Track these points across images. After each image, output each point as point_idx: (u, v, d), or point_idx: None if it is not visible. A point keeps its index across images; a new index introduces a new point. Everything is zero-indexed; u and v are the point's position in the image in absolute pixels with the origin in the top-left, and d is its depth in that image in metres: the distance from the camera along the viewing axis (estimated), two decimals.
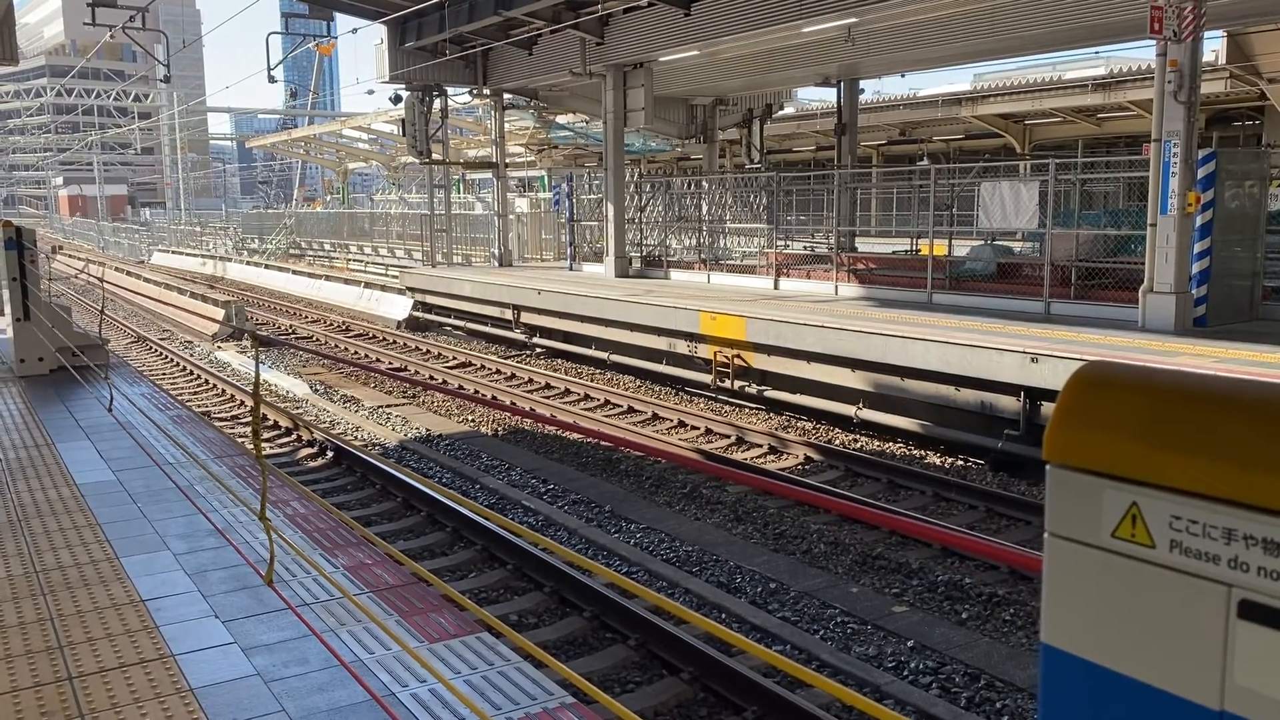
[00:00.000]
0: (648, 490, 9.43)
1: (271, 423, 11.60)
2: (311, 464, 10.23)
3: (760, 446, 10.83)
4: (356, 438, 11.66)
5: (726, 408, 13.03)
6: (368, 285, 25.01)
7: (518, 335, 17.94)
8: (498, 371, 15.77)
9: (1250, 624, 0.82)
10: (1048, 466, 0.95)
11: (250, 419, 5.19)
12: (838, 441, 11.11)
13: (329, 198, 54.83)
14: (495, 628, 3.04)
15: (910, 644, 6.02)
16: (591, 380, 14.74)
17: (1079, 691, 0.94)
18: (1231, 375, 0.92)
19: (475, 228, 28.49)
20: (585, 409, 12.93)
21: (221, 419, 12.32)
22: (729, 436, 11.26)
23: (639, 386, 14.50)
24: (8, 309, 10.08)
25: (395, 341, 19.38)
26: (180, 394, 13.77)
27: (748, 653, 2.04)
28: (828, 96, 25.28)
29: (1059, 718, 0.96)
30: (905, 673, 5.65)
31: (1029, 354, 9.28)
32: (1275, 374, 8.29)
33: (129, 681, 3.64)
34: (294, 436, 11.19)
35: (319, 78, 64.82)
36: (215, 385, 14.29)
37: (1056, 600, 0.96)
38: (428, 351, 17.95)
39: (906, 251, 17.90)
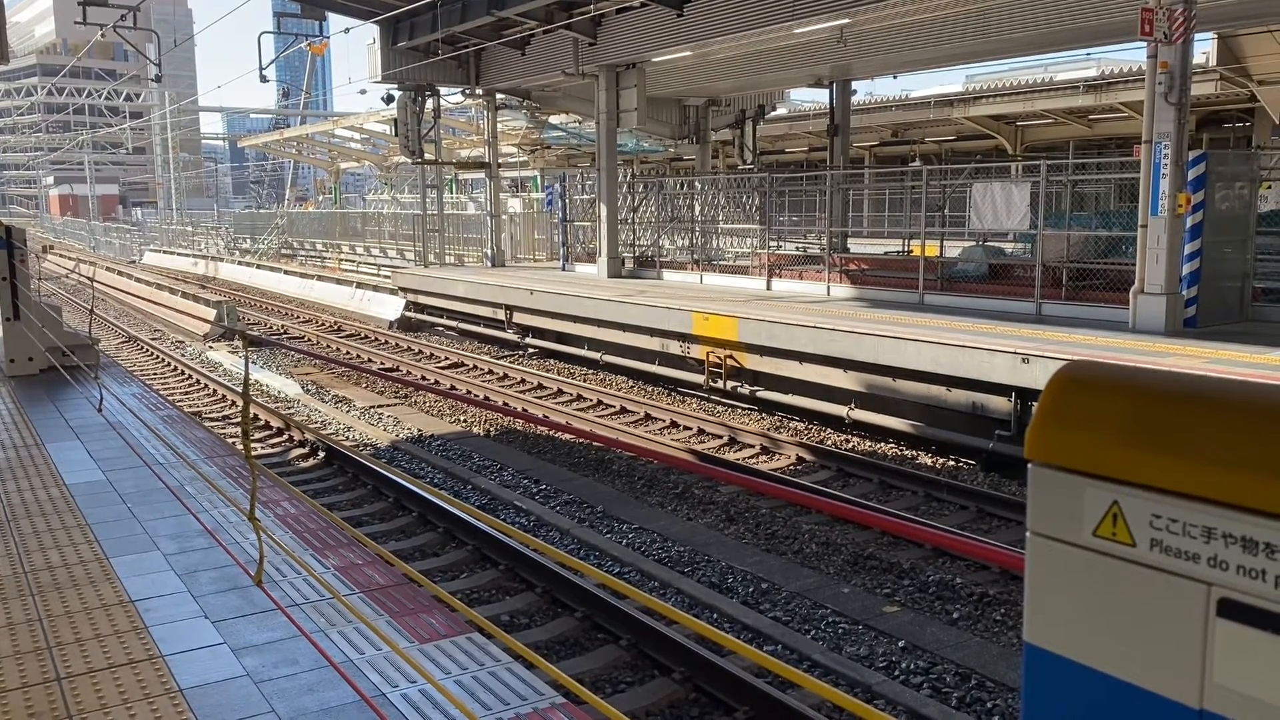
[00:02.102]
0: (640, 491, 9.43)
1: (263, 423, 11.58)
2: (303, 464, 10.21)
3: (752, 447, 10.83)
4: (348, 438, 11.64)
5: (719, 408, 13.04)
6: (360, 285, 24.97)
7: (510, 336, 17.93)
8: (490, 372, 15.76)
9: (1229, 622, 0.82)
10: (1029, 465, 0.96)
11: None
12: (830, 442, 11.12)
13: (321, 198, 54.71)
14: (486, 629, 3.04)
15: (901, 644, 6.03)
16: (584, 381, 14.73)
17: (1061, 690, 0.95)
18: (1213, 375, 0.92)
19: (468, 228, 28.49)
20: (578, 409, 12.93)
21: (212, 419, 12.29)
22: (721, 437, 11.27)
23: (631, 387, 14.50)
24: None
25: (387, 342, 19.35)
26: (171, 394, 13.73)
27: (738, 653, 2.05)
28: (820, 97, 25.30)
29: (1042, 715, 0.97)
30: (897, 673, 5.66)
31: (1020, 355, 9.30)
32: (1264, 374, 8.32)
33: (118, 682, 3.63)
34: (285, 437, 11.17)
35: (311, 77, 64.75)
36: (206, 385, 14.25)
37: (1038, 599, 0.96)
38: (420, 352, 17.92)
39: (898, 252, 17.93)
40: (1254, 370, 8.57)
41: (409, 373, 15.93)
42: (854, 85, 21.16)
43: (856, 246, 20.76)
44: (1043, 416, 0.95)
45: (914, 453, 10.65)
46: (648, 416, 12.40)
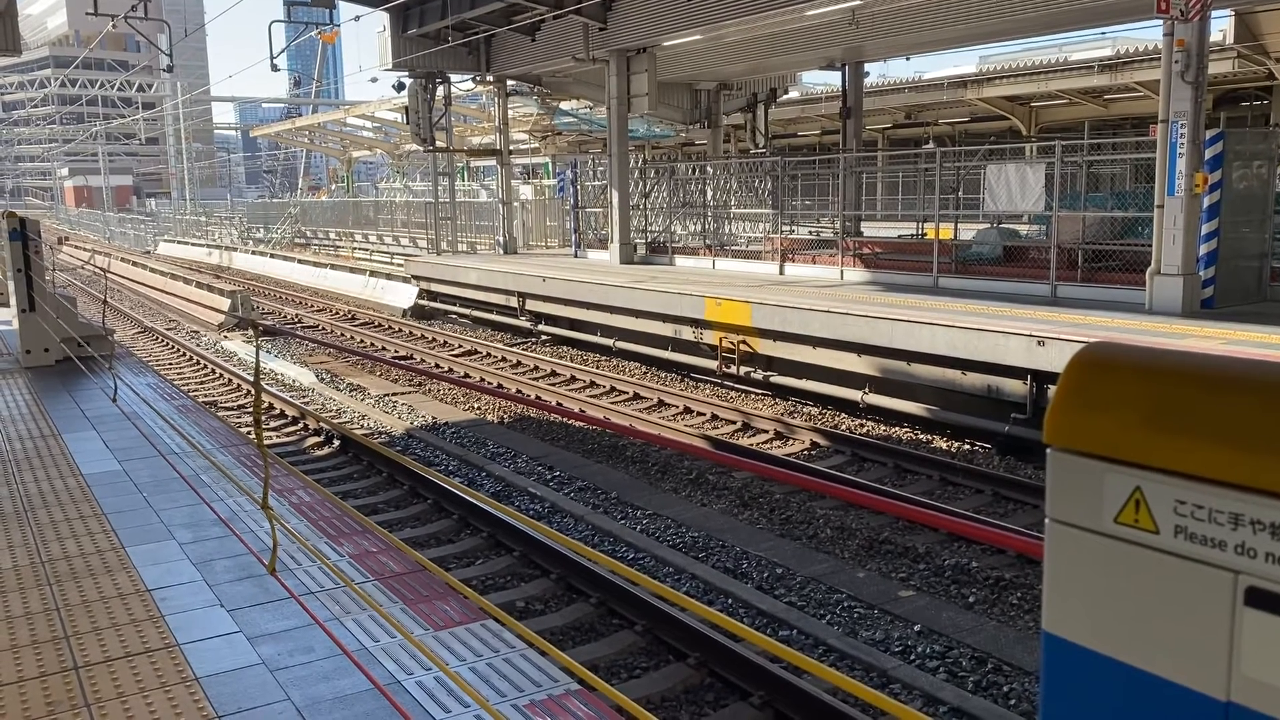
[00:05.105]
0: (654, 477, 9.42)
1: (278, 412, 11.61)
2: (318, 453, 10.24)
3: (766, 432, 10.81)
4: (362, 426, 11.67)
5: (732, 393, 13.01)
6: (373, 274, 25.01)
7: (523, 323, 17.93)
8: (503, 359, 15.77)
9: (1257, 611, 0.80)
10: (1049, 450, 0.93)
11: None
12: (844, 426, 11.08)
13: (334, 186, 54.78)
14: (499, 618, 3.03)
15: (917, 628, 6.01)
16: (597, 367, 14.72)
17: (1082, 681, 0.92)
18: (1237, 356, 0.89)
19: (480, 215, 28.46)
20: (591, 396, 12.92)
21: (227, 408, 12.34)
22: (735, 422, 11.24)
23: (645, 373, 14.48)
24: (13, 300, 10.09)
25: (401, 330, 19.38)
26: (186, 384, 13.79)
27: (750, 641, 2.03)
28: (832, 80, 25.15)
29: (1061, 708, 0.94)
30: (912, 657, 5.64)
31: (1035, 337, 9.23)
32: None
33: (134, 671, 3.65)
34: (300, 425, 11.20)
35: (322, 66, 64.76)
36: (221, 375, 14.31)
37: (1058, 587, 0.93)
38: (433, 339, 17.95)
39: (912, 235, 17.82)
40: (1273, 351, 8.49)
41: (422, 360, 15.95)
42: (866, 67, 21.00)
43: (870, 230, 20.65)
44: (1062, 400, 0.92)
45: (929, 437, 10.60)
46: (661, 403, 12.39)
